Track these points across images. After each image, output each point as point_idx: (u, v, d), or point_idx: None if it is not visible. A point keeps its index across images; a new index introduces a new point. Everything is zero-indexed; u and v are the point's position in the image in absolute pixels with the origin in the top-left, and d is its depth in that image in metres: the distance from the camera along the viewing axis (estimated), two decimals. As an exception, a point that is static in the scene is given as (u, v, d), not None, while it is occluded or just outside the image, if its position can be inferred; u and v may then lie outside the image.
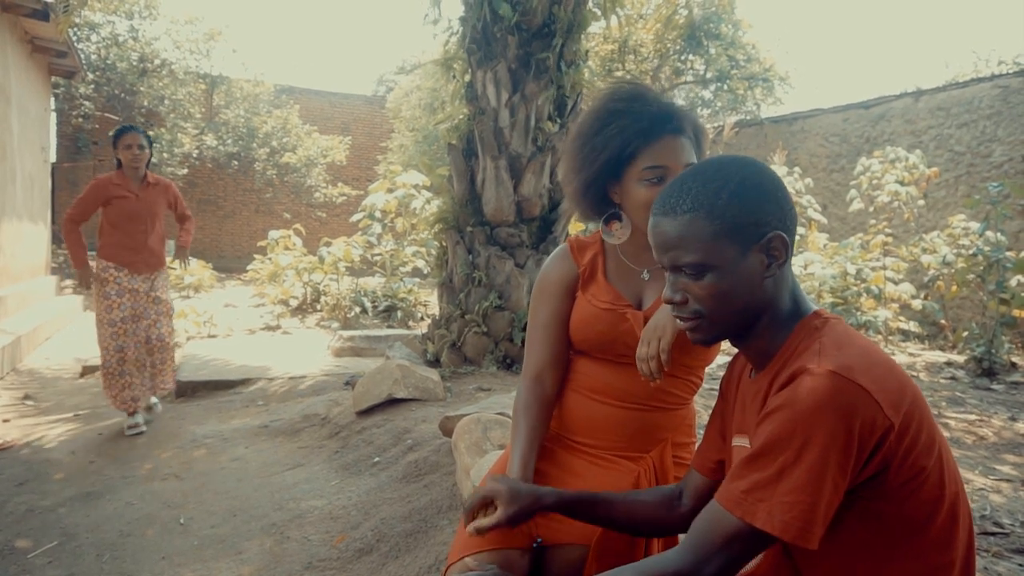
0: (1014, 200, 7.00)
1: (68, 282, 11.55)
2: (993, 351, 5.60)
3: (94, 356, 6.11)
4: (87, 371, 5.75)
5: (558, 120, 4.71)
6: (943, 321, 7.42)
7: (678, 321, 1.08)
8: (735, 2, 12.30)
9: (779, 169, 8.48)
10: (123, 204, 4.04)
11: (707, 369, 1.93)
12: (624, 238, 1.45)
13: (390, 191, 8.91)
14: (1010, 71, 10.05)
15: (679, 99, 13.63)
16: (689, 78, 13.02)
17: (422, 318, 8.25)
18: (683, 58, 12.68)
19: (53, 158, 12.19)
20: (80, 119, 12.91)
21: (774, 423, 0.93)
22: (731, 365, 1.25)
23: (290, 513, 2.96)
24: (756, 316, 1.04)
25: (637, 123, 1.35)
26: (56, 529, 2.88)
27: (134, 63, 12.38)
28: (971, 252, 6.20)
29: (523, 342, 4.39)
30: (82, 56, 11.19)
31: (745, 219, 0.99)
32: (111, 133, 4.14)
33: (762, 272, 1.01)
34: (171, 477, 3.46)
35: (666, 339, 1.31)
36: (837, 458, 0.89)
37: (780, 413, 0.92)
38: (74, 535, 2.82)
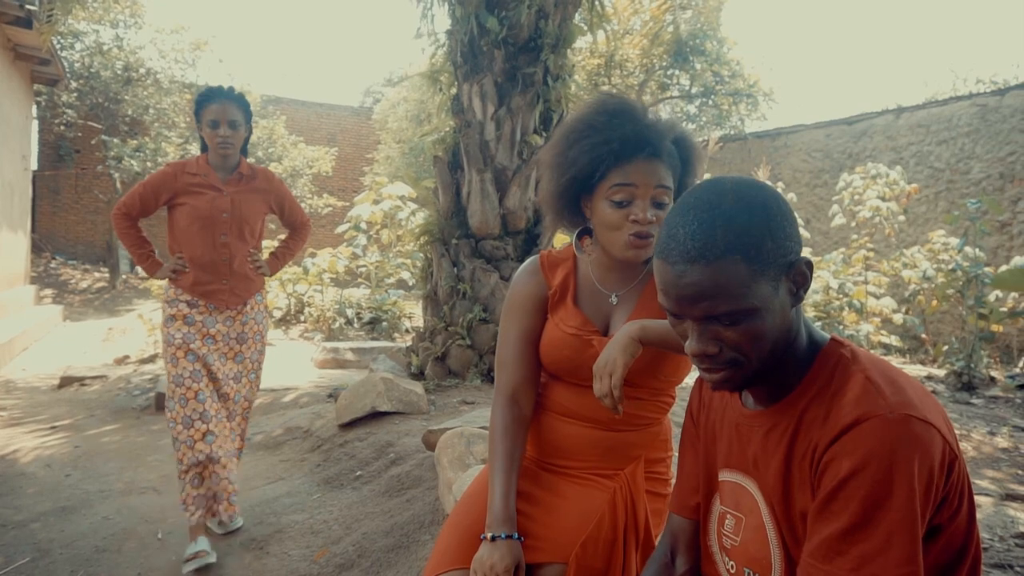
0: (992, 216, 7.10)
1: (47, 291, 11.41)
2: (972, 365, 5.65)
3: (72, 366, 6.04)
4: (65, 382, 5.66)
5: (544, 133, 4.72)
6: (924, 335, 7.50)
7: (705, 374, 0.96)
8: (720, 19, 12.45)
9: (763, 184, 8.56)
10: (199, 203, 2.76)
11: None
12: (594, 254, 1.43)
13: (376, 202, 8.90)
14: (987, 90, 10.23)
15: (664, 114, 13.73)
16: (675, 93, 13.14)
17: (407, 330, 8.22)
18: (669, 73, 12.80)
19: (34, 166, 12.07)
20: (62, 127, 12.80)
21: (865, 484, 0.82)
22: (698, 393, 1.18)
23: (270, 528, 2.93)
24: (784, 350, 0.94)
25: (609, 143, 1.30)
26: (29, 544, 2.82)
27: (118, 72, 12.29)
28: (951, 267, 6.27)
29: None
30: (65, 64, 11.10)
31: (777, 251, 0.89)
32: (195, 98, 2.81)
33: (791, 302, 0.92)
34: (149, 491, 3.41)
35: (616, 375, 1.27)
36: (922, 505, 0.83)
37: (868, 471, 0.82)
38: (48, 551, 2.77)
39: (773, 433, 0.97)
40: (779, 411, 0.97)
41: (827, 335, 1.00)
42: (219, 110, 2.75)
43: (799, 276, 0.92)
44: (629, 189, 1.30)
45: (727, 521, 1.06)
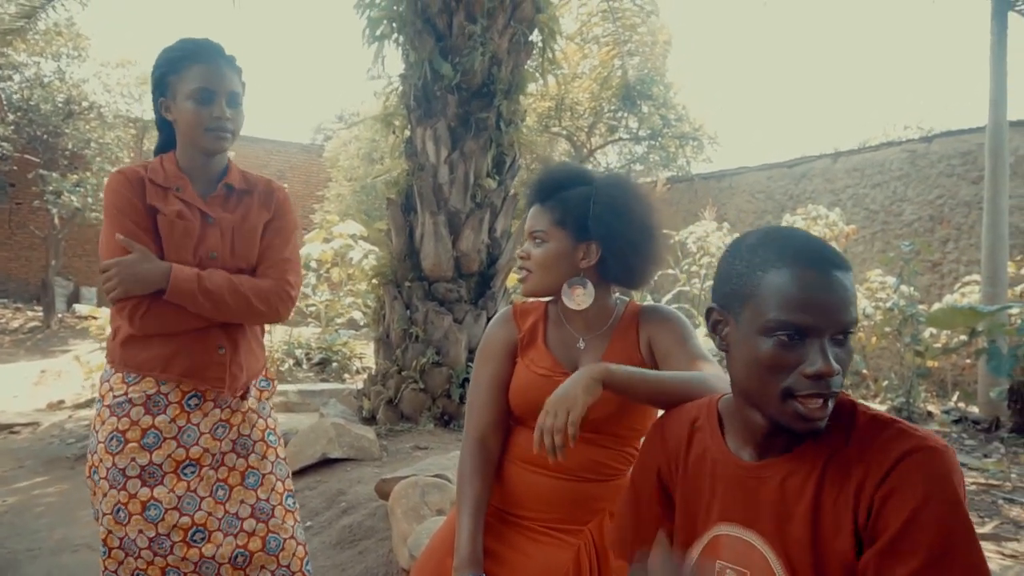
0: (924, 257, 7.44)
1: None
2: (911, 401, 5.86)
3: (1, 412, 5.72)
4: (-7, 431, 5.36)
5: (496, 177, 4.78)
6: (865, 371, 7.75)
7: (816, 410, 0.89)
8: (667, 65, 12.90)
9: (709, 224, 8.80)
10: (172, 232, 1.62)
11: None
12: (585, 304, 1.43)
13: (326, 241, 8.81)
14: (915, 136, 10.81)
15: (613, 155, 14.11)
16: (623, 135, 13.48)
17: (357, 371, 8.08)
18: (618, 116, 13.13)
19: (-34, 201, 11.58)
20: (-3, 161, 12.35)
21: (935, 514, 0.83)
22: (663, 447, 1.14)
23: (214, 586, 2.80)
24: None
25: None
26: (-51, 612, 2.64)
27: (59, 105, 11.96)
28: (888, 306, 6.53)
29: (461, 398, 4.36)
30: (3, 96, 10.77)
31: None
32: (160, 59, 1.66)
33: None
34: (83, 548, 3.23)
35: (576, 411, 1.15)
36: None
37: (935, 501, 0.83)
38: (-30, 619, 2.59)
39: (791, 481, 0.95)
40: (796, 458, 0.95)
41: None
42: (212, 74, 1.61)
43: None
44: (525, 246, 1.50)
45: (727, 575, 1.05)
